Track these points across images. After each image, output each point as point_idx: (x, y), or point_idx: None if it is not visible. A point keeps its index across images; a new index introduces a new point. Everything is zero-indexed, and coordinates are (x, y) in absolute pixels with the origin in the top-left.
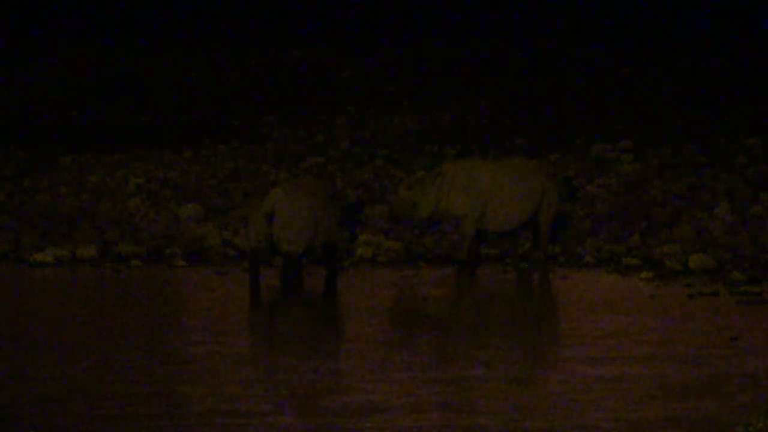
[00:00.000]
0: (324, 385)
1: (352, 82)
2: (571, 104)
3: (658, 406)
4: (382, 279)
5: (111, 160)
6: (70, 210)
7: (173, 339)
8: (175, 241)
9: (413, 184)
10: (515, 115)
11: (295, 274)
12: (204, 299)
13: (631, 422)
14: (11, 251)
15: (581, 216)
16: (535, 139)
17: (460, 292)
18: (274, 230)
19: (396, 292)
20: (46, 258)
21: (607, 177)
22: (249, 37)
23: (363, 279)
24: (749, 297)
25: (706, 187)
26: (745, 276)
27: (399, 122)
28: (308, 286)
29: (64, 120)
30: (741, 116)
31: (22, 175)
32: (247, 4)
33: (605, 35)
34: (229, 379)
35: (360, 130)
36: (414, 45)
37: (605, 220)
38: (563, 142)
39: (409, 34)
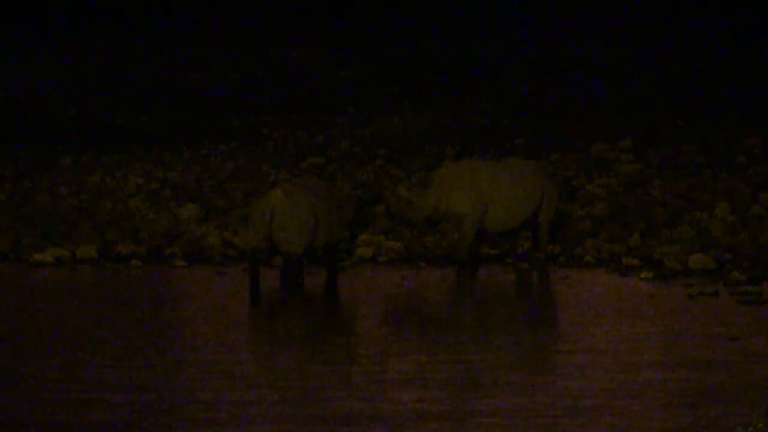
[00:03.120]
0: (324, 390)
1: (352, 82)
2: (571, 104)
3: (660, 411)
4: (382, 279)
5: (111, 161)
6: (70, 210)
7: (172, 341)
8: (175, 241)
9: (413, 183)
10: (515, 115)
11: (296, 274)
12: (204, 300)
13: (634, 429)
14: (11, 251)
15: (581, 216)
16: (535, 139)
17: (460, 292)
18: (273, 231)
19: (396, 293)
20: (46, 258)
21: (607, 177)
22: (249, 37)
23: (363, 279)
24: (749, 297)
25: (706, 187)
26: (745, 276)
27: (399, 122)
28: (308, 286)
29: (64, 120)
30: (741, 116)
31: (22, 175)
32: (247, 4)
33: (605, 35)
34: (229, 383)
35: (360, 130)
36: (414, 45)
37: (605, 220)
38: (563, 142)
39: (409, 34)
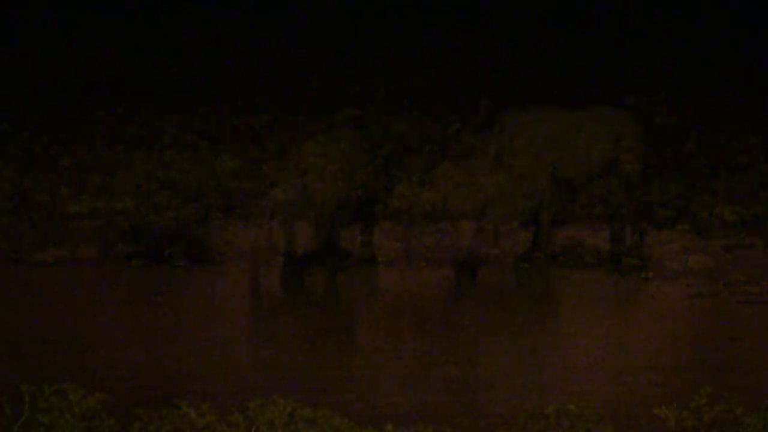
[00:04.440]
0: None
1: (388, 33)
2: (606, 55)
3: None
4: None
5: (147, 112)
6: (106, 161)
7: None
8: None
9: (475, 131)
10: (550, 67)
11: (331, 227)
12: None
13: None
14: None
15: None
16: (571, 90)
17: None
18: (307, 183)
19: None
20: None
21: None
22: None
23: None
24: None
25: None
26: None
27: (435, 73)
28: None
29: (100, 72)
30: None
31: (58, 126)
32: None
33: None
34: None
35: (396, 82)
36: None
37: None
38: (599, 94)
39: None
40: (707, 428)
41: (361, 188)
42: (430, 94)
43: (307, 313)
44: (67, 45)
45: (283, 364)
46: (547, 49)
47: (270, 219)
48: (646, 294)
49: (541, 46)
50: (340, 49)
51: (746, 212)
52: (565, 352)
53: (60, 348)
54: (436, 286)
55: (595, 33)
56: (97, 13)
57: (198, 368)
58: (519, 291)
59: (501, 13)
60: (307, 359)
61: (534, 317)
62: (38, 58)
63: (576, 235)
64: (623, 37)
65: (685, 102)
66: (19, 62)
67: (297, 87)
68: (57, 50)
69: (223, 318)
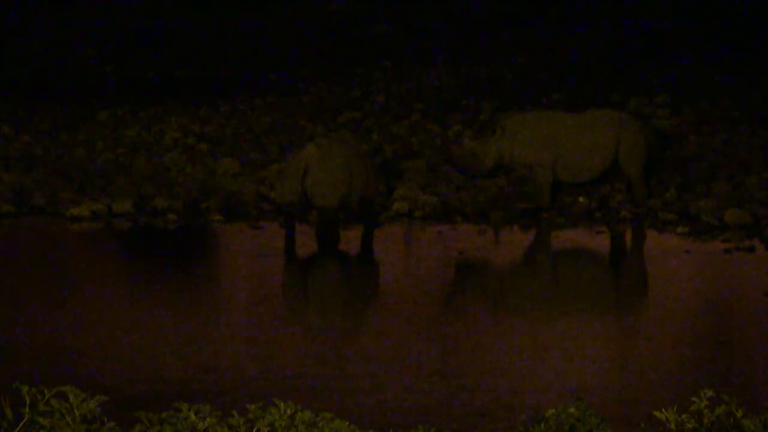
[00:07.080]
0: (352, 362)
1: (388, 36)
2: (607, 58)
3: (698, 369)
4: (419, 234)
5: (147, 115)
6: (106, 164)
7: (207, 296)
8: (211, 196)
9: (476, 134)
10: (552, 70)
11: (331, 229)
12: (239, 254)
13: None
14: (48, 205)
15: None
16: (572, 93)
17: (496, 248)
18: (307, 185)
19: (432, 249)
20: (82, 212)
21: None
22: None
23: (399, 234)
24: None
25: (742, 142)
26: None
27: (435, 76)
28: (344, 241)
29: (101, 75)
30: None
31: (59, 129)
32: None
33: None
34: (260, 347)
35: (396, 85)
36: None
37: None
38: (600, 97)
39: None
40: (707, 431)
41: (397, 142)
42: (430, 97)
43: (341, 269)
44: (67, 47)
45: (314, 327)
46: (547, 52)
47: (304, 176)
48: (682, 249)
49: (541, 49)
50: (341, 51)
51: (747, 215)
52: (601, 318)
53: (90, 307)
54: (471, 241)
55: (596, 35)
56: (98, 15)
57: (229, 329)
58: (552, 246)
59: (502, 15)
60: (337, 324)
61: (566, 275)
62: (39, 60)
63: (576, 238)
64: (624, 39)
65: (685, 104)
66: (19, 64)
67: (297, 91)
68: (58, 52)
69: (256, 275)
